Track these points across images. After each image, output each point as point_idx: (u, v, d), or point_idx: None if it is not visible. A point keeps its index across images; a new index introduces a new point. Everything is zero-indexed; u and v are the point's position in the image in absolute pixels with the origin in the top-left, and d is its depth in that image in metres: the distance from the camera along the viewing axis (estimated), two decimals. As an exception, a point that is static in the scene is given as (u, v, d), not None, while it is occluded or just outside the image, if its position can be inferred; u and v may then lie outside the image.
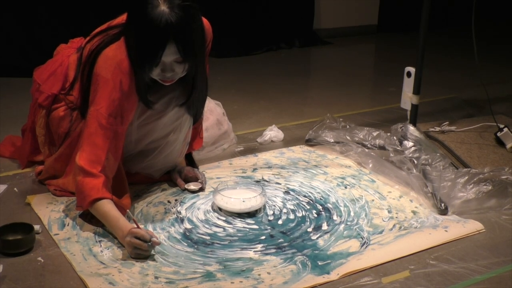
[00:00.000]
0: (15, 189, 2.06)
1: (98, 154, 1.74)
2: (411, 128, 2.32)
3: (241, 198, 1.92)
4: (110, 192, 1.75)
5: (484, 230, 1.87)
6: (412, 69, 2.31)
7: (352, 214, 1.95)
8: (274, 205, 2.00)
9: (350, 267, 1.63)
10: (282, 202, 2.02)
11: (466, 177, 2.03)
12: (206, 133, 2.32)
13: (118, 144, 1.82)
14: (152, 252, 1.68)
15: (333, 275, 1.60)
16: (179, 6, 1.65)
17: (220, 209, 1.94)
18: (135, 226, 1.67)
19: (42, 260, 1.65)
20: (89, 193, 1.72)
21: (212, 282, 1.56)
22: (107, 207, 1.72)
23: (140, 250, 1.64)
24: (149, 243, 1.63)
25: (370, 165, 2.28)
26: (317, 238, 1.79)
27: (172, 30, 1.64)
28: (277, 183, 2.17)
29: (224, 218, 1.90)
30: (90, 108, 1.78)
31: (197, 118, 2.07)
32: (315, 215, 1.94)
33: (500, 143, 2.45)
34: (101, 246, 1.71)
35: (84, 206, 1.74)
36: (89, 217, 1.83)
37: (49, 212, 1.89)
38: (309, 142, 2.54)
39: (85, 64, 1.84)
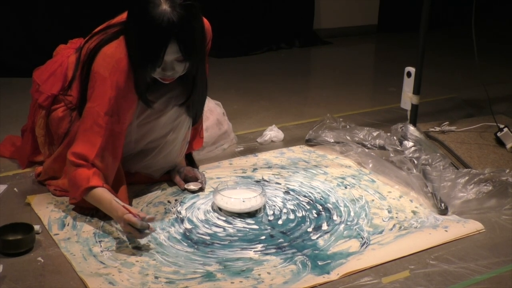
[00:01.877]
0: (15, 189, 2.06)
1: (90, 151, 1.76)
2: (411, 128, 2.32)
3: (241, 198, 1.92)
4: (102, 180, 1.77)
5: (484, 230, 1.87)
6: (412, 69, 2.31)
7: (352, 214, 1.95)
8: (274, 205, 2.00)
9: (350, 267, 1.63)
10: (282, 202, 2.02)
11: (467, 178, 2.03)
12: (206, 133, 2.32)
13: (117, 143, 1.82)
14: (152, 252, 1.68)
15: (333, 275, 1.60)
16: (181, 5, 1.65)
17: (220, 209, 1.94)
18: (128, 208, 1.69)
19: (42, 260, 1.65)
20: (80, 183, 1.74)
21: (212, 282, 1.56)
22: (99, 192, 1.74)
23: (133, 235, 1.68)
24: (143, 230, 1.66)
25: (370, 165, 2.28)
26: (317, 238, 1.79)
27: (174, 29, 1.64)
28: (277, 183, 2.17)
29: (224, 218, 1.90)
30: (87, 104, 1.79)
31: (196, 119, 2.07)
32: (315, 215, 1.94)
33: (500, 143, 2.45)
34: (101, 246, 1.71)
35: (77, 197, 1.77)
36: (89, 217, 1.84)
37: (49, 212, 1.89)
38: (309, 142, 2.54)
39: (83, 62, 1.84)
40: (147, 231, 1.67)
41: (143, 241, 1.72)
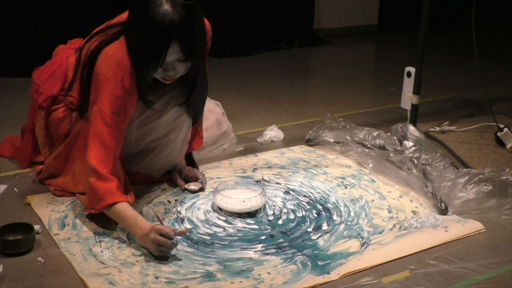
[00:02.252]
0: (15, 189, 2.06)
1: (107, 153, 1.74)
2: (411, 128, 2.32)
3: (241, 198, 1.92)
4: (124, 194, 1.75)
5: (484, 230, 1.87)
6: (412, 69, 2.31)
7: (352, 214, 1.95)
8: (274, 205, 1.99)
9: (350, 267, 1.63)
10: (282, 202, 2.02)
11: (466, 177, 2.03)
12: (206, 133, 2.32)
13: (119, 142, 1.82)
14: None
15: (333, 275, 1.60)
16: (182, 5, 1.65)
17: (220, 209, 1.94)
18: (158, 223, 1.68)
19: (42, 260, 1.65)
20: (103, 197, 1.71)
21: (212, 282, 1.56)
22: (123, 208, 1.71)
23: (164, 247, 1.63)
24: (174, 241, 1.63)
25: (370, 165, 2.28)
26: (317, 238, 1.79)
27: (175, 29, 1.64)
28: (277, 183, 2.17)
29: (224, 218, 1.90)
30: (92, 107, 1.77)
31: (196, 119, 2.07)
32: (315, 215, 1.94)
33: (500, 143, 2.45)
34: (101, 246, 1.71)
35: (97, 209, 1.74)
36: (90, 216, 1.84)
37: (49, 212, 1.89)
38: (309, 142, 2.54)
39: (85, 63, 1.84)
40: (174, 241, 1.64)
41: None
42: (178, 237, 1.69)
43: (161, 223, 1.69)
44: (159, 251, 1.64)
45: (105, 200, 1.71)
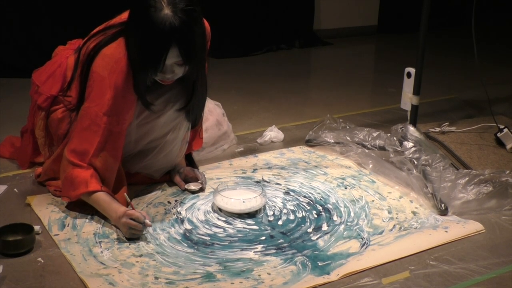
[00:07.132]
0: (15, 189, 2.06)
1: (86, 149, 1.78)
2: (411, 128, 2.32)
3: (241, 199, 1.92)
4: (100, 183, 1.79)
5: (484, 231, 1.87)
6: (412, 70, 2.31)
7: (352, 214, 1.95)
8: (274, 206, 2.00)
9: (350, 268, 1.63)
10: (282, 202, 2.02)
11: (467, 178, 2.03)
12: (206, 133, 2.32)
13: (117, 144, 1.82)
14: (152, 252, 1.68)
15: (333, 276, 1.60)
16: (182, 10, 1.65)
17: (220, 209, 1.94)
18: (130, 208, 1.77)
19: (42, 261, 1.65)
20: (78, 186, 1.77)
21: (212, 282, 1.56)
22: (97, 195, 1.78)
23: (135, 230, 1.72)
24: (143, 224, 1.72)
25: (370, 166, 2.28)
26: (317, 239, 1.79)
27: (175, 33, 1.64)
28: (277, 183, 2.17)
29: (224, 219, 1.90)
30: (84, 104, 1.79)
31: (196, 123, 2.07)
32: (315, 216, 1.94)
33: (500, 143, 2.45)
34: (101, 246, 1.71)
35: (72, 197, 1.80)
36: (90, 216, 1.85)
37: (49, 212, 1.89)
38: (309, 143, 2.54)
39: (83, 63, 1.84)
40: (144, 224, 1.73)
41: (143, 241, 1.73)
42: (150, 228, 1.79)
43: (133, 208, 1.77)
44: (131, 234, 1.73)
45: (79, 189, 1.77)
